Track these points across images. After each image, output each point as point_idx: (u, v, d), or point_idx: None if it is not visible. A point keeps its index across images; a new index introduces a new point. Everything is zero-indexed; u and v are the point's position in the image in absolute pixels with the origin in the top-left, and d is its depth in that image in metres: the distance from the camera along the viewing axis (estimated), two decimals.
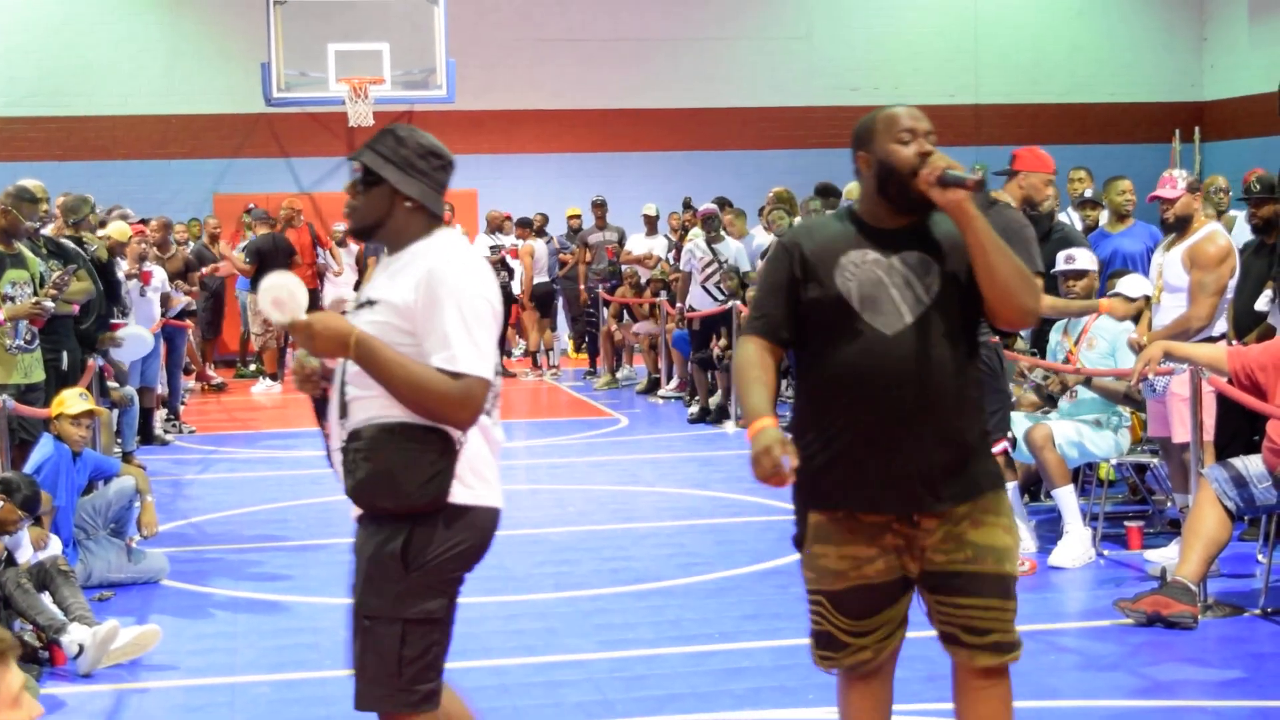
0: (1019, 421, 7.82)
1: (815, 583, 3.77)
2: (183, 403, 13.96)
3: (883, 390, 3.56)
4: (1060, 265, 8.12)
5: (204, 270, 15.61)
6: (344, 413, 3.54)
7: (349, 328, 3.44)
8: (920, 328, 3.58)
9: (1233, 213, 11.45)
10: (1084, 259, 8.15)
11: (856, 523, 3.65)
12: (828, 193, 12.40)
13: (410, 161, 3.56)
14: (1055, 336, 8.27)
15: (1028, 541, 7.63)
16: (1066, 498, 7.59)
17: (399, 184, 3.55)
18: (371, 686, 3.54)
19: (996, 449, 7.49)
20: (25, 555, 6.51)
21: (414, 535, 3.49)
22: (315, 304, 17.77)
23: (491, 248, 17.47)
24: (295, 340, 3.51)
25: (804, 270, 3.65)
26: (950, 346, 3.61)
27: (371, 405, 3.50)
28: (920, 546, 3.63)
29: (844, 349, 3.60)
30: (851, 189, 11.16)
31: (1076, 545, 7.54)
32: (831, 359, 3.63)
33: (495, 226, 18.09)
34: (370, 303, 3.54)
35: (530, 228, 17.66)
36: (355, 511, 3.59)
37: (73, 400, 7.47)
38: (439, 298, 3.46)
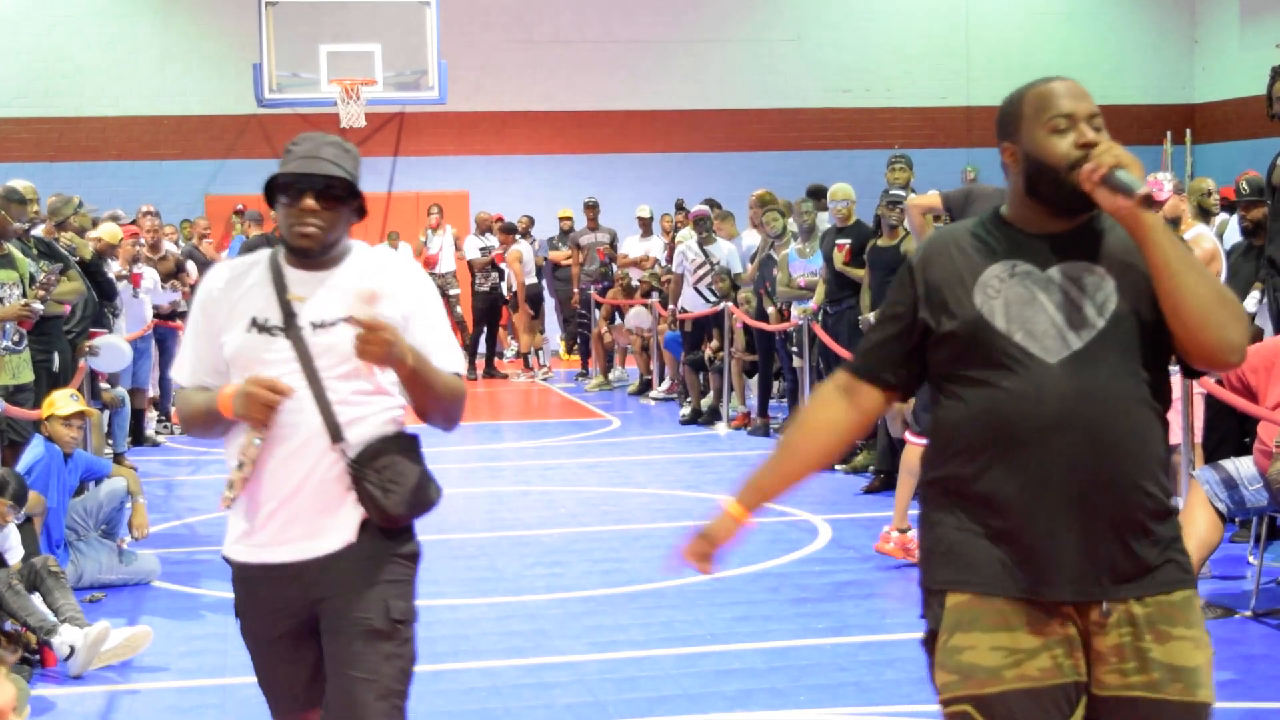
0: None
1: (958, 687, 2.92)
2: (174, 403, 13.93)
3: (1041, 434, 2.77)
4: None
5: (196, 279, 15.57)
6: (337, 436, 3.30)
7: (409, 346, 3.26)
8: (1088, 357, 2.78)
9: (1224, 216, 11.46)
10: None
11: (1013, 604, 2.82)
12: (820, 194, 12.41)
13: (359, 170, 3.43)
14: None
15: None
16: None
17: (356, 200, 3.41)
18: (388, 696, 3.32)
19: (918, 440, 7.52)
20: (15, 556, 6.50)
21: (415, 538, 3.49)
22: None
23: (482, 249, 17.49)
24: (366, 342, 3.18)
25: (930, 296, 2.89)
26: (1130, 383, 2.80)
27: (373, 423, 3.35)
28: (1094, 651, 2.82)
29: (989, 384, 2.81)
30: (836, 190, 11.12)
31: None
32: (974, 399, 2.84)
33: (485, 228, 18.10)
34: (348, 318, 3.24)
35: (514, 233, 17.65)
36: (349, 527, 3.36)
37: (63, 401, 7.46)
38: (429, 304, 3.43)
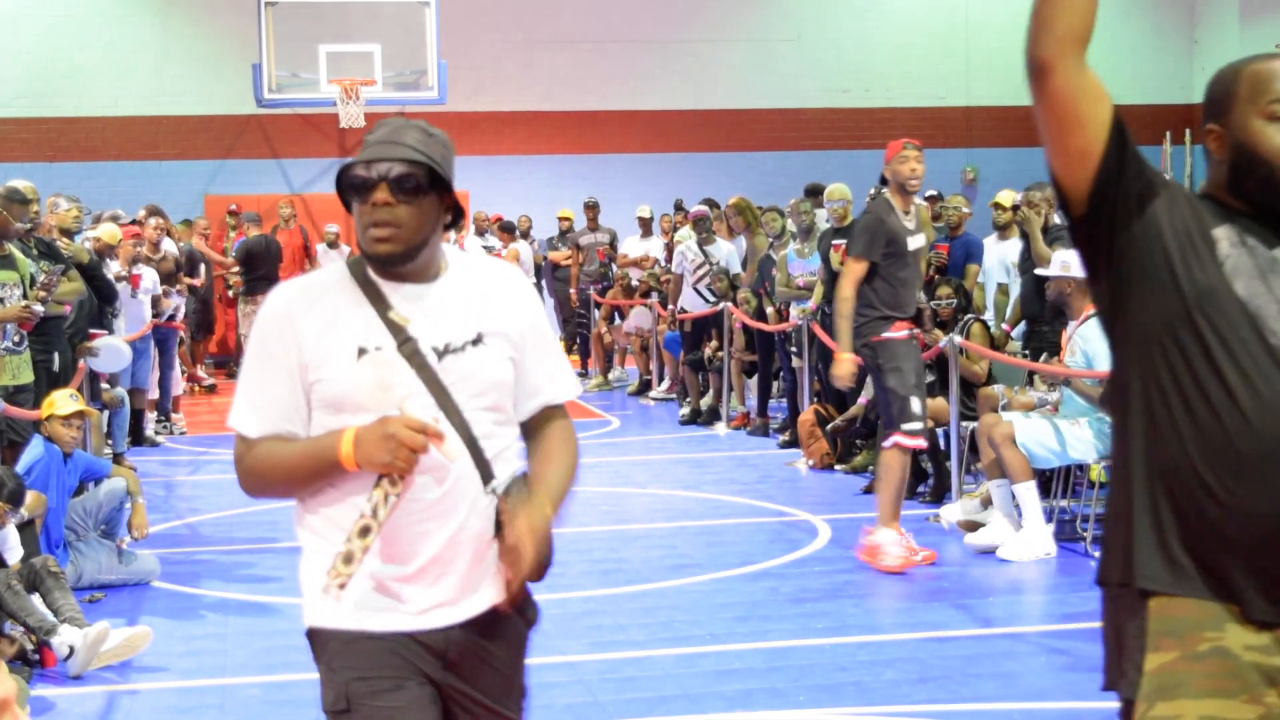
0: (1017, 420, 7.84)
1: None
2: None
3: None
4: (1055, 270, 8.09)
5: (198, 280, 15.58)
6: (488, 476, 2.78)
7: (545, 505, 2.76)
8: None
9: None
10: (1077, 265, 8.12)
11: (1236, 663, 2.36)
12: (817, 193, 12.41)
13: (450, 160, 2.80)
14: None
15: (1012, 538, 7.68)
16: (1027, 494, 7.72)
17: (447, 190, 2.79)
18: None
19: (887, 443, 7.58)
20: (15, 556, 6.50)
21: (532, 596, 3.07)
22: None
23: (489, 249, 17.50)
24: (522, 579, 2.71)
25: (1181, 229, 2.44)
26: None
27: (508, 458, 2.86)
28: None
29: (1231, 370, 2.37)
30: (833, 190, 11.11)
31: (1033, 540, 7.69)
32: (1209, 384, 2.38)
33: (483, 229, 18.10)
34: (476, 340, 2.79)
35: (512, 232, 17.66)
36: (495, 585, 2.83)
37: (63, 401, 7.46)
38: (543, 323, 2.93)
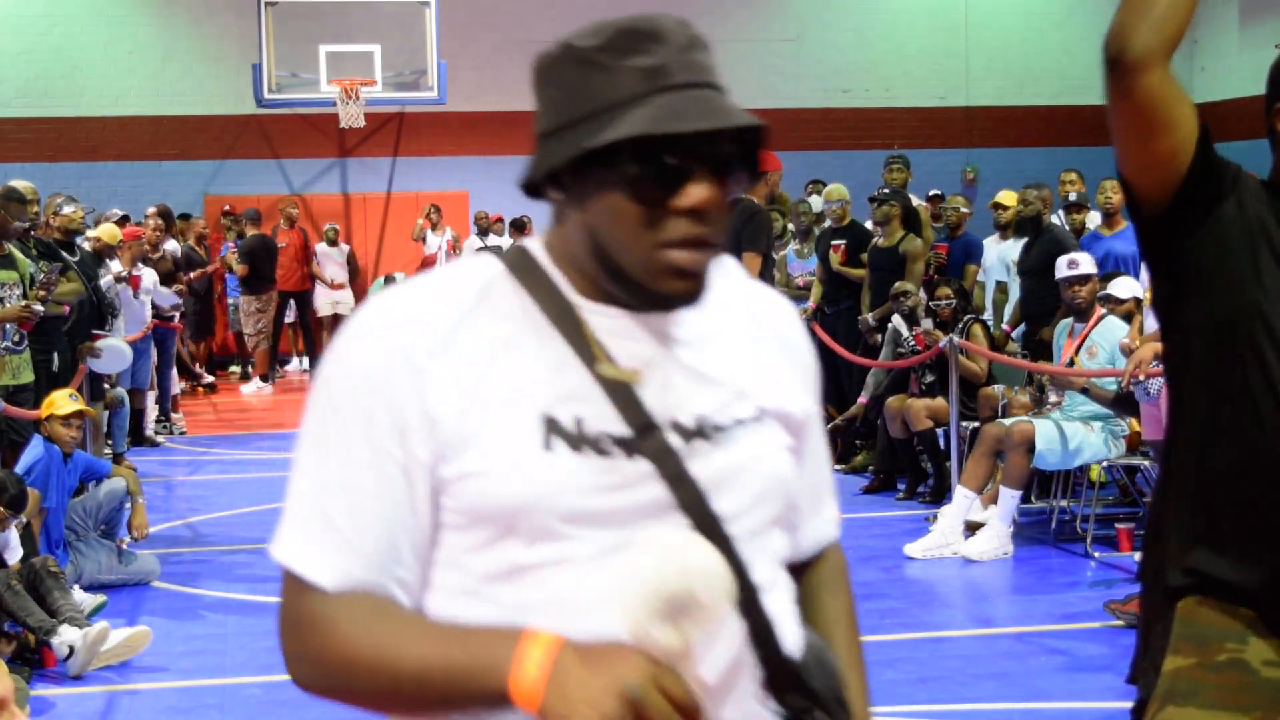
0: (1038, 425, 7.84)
1: None
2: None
3: None
4: (1064, 271, 8.05)
5: (193, 274, 15.59)
6: (781, 670, 1.64)
7: None
8: None
9: None
10: (1086, 264, 8.10)
11: (1253, 679, 2.27)
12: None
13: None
14: (1061, 340, 8.24)
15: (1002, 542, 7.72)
16: (1008, 499, 7.75)
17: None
18: None
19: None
20: (15, 556, 6.50)
21: None
22: (307, 306, 17.83)
23: (490, 249, 17.49)
24: None
25: (1255, 227, 2.30)
26: None
27: (790, 614, 1.72)
28: None
29: (1247, 408, 2.27)
30: (831, 190, 11.11)
31: (992, 539, 7.75)
32: (1263, 390, 2.28)
33: (484, 229, 18.11)
34: (753, 419, 1.64)
35: (524, 230, 17.70)
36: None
37: (62, 401, 7.46)
38: (814, 399, 1.79)
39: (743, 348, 1.68)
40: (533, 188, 1.67)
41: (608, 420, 1.55)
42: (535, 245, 1.69)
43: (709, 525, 1.57)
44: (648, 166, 1.53)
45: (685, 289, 1.57)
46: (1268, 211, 2.33)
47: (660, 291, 1.56)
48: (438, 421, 1.54)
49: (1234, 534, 2.30)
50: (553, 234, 1.69)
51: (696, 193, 1.55)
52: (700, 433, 1.60)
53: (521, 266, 1.65)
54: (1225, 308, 2.31)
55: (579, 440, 1.54)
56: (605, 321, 1.60)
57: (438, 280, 1.63)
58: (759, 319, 1.73)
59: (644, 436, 1.56)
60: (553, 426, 1.54)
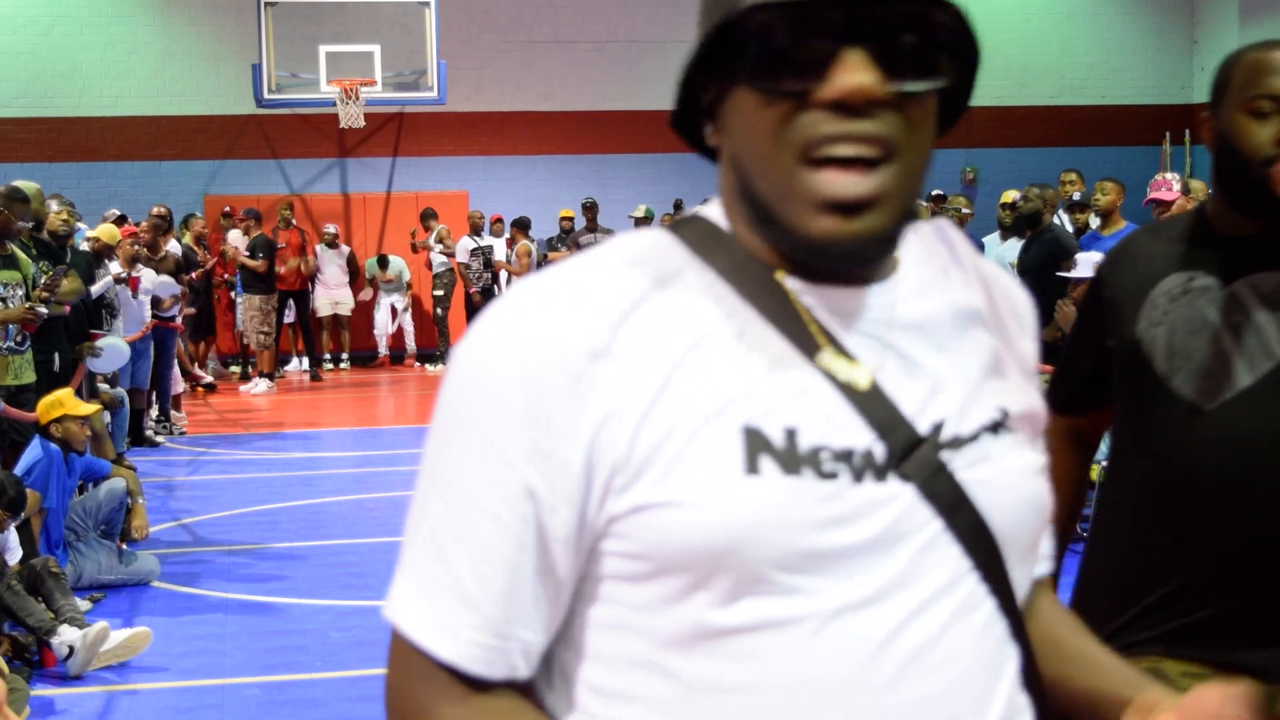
0: None
1: None
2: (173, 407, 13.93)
3: (1206, 500, 2.24)
4: (1085, 272, 8.01)
5: (194, 275, 15.58)
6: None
7: None
8: (1262, 398, 2.23)
9: None
10: (1087, 265, 8.07)
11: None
12: None
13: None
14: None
15: None
16: None
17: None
18: None
19: None
20: (15, 557, 6.50)
21: None
22: (307, 306, 17.81)
23: (484, 248, 17.49)
24: None
25: (1108, 308, 2.41)
26: None
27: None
28: None
29: (1150, 431, 2.32)
30: None
31: None
32: (1135, 447, 2.38)
33: (477, 228, 18.11)
34: (998, 425, 1.30)
35: (525, 229, 17.70)
36: None
37: (73, 400, 7.47)
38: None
39: (974, 336, 1.31)
40: (689, 132, 1.39)
41: (834, 431, 1.20)
42: (713, 211, 1.32)
43: (992, 564, 1.24)
44: (778, 42, 1.18)
45: (838, 232, 1.17)
46: (1143, 264, 2.43)
47: (809, 237, 1.18)
48: (603, 441, 1.18)
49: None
50: (722, 193, 1.31)
51: (846, 79, 1.15)
52: (953, 443, 1.24)
53: (703, 236, 1.28)
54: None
55: (793, 458, 1.18)
56: (820, 298, 1.24)
57: (597, 261, 1.26)
58: (992, 297, 1.37)
59: (897, 449, 1.21)
60: (758, 442, 1.18)
